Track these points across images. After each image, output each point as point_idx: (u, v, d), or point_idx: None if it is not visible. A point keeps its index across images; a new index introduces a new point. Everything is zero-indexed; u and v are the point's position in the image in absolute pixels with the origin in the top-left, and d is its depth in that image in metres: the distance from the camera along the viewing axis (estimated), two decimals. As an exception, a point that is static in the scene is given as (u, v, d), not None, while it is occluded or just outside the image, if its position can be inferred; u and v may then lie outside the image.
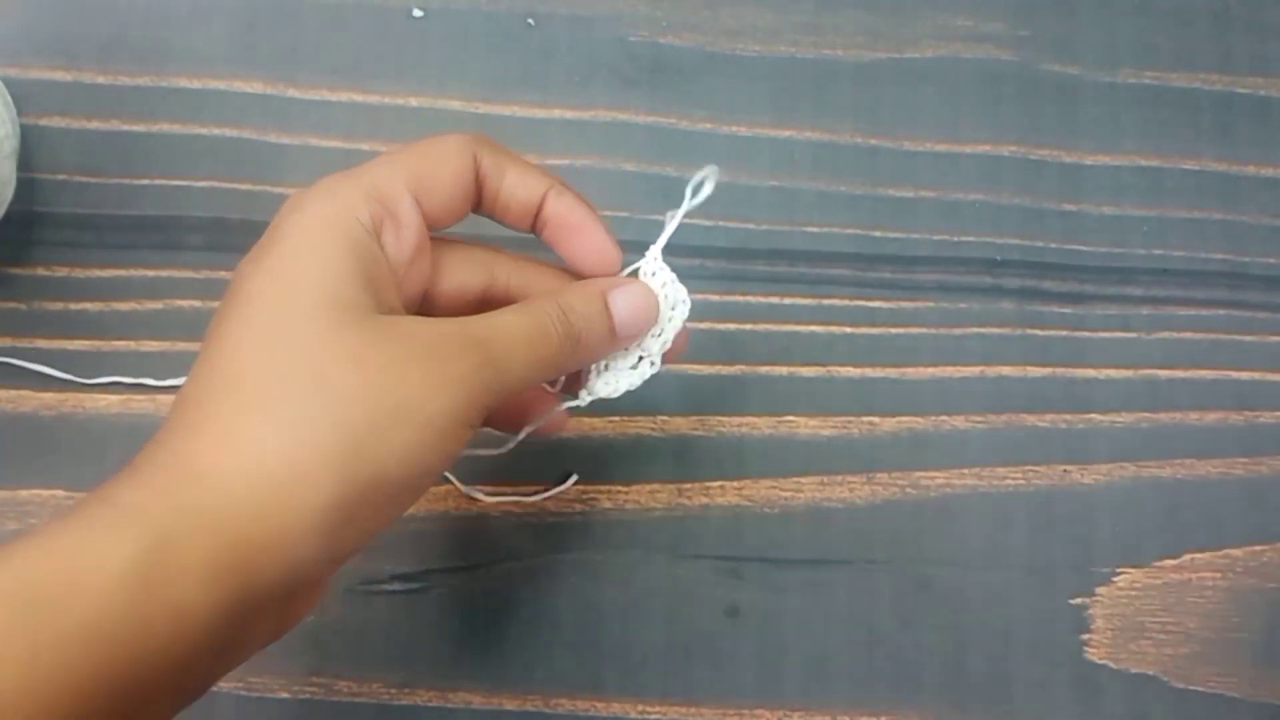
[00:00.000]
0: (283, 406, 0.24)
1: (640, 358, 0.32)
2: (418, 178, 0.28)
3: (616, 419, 0.38)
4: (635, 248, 0.38)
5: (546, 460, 0.37)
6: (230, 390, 0.24)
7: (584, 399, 0.32)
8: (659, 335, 0.32)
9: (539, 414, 0.32)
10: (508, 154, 0.30)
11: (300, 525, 0.23)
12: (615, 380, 0.32)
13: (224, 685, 0.35)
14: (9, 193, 0.36)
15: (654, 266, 0.32)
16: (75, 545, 0.22)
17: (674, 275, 0.32)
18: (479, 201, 0.30)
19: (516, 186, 0.30)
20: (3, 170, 0.35)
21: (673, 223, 0.32)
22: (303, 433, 0.23)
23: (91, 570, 0.21)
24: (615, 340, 0.30)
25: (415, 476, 0.25)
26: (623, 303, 0.30)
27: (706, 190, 0.31)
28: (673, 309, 0.32)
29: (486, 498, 0.37)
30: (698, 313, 0.38)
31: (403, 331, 0.25)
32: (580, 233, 0.31)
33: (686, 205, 0.31)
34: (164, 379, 0.37)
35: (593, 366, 0.32)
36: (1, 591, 0.21)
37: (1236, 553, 0.38)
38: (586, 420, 0.37)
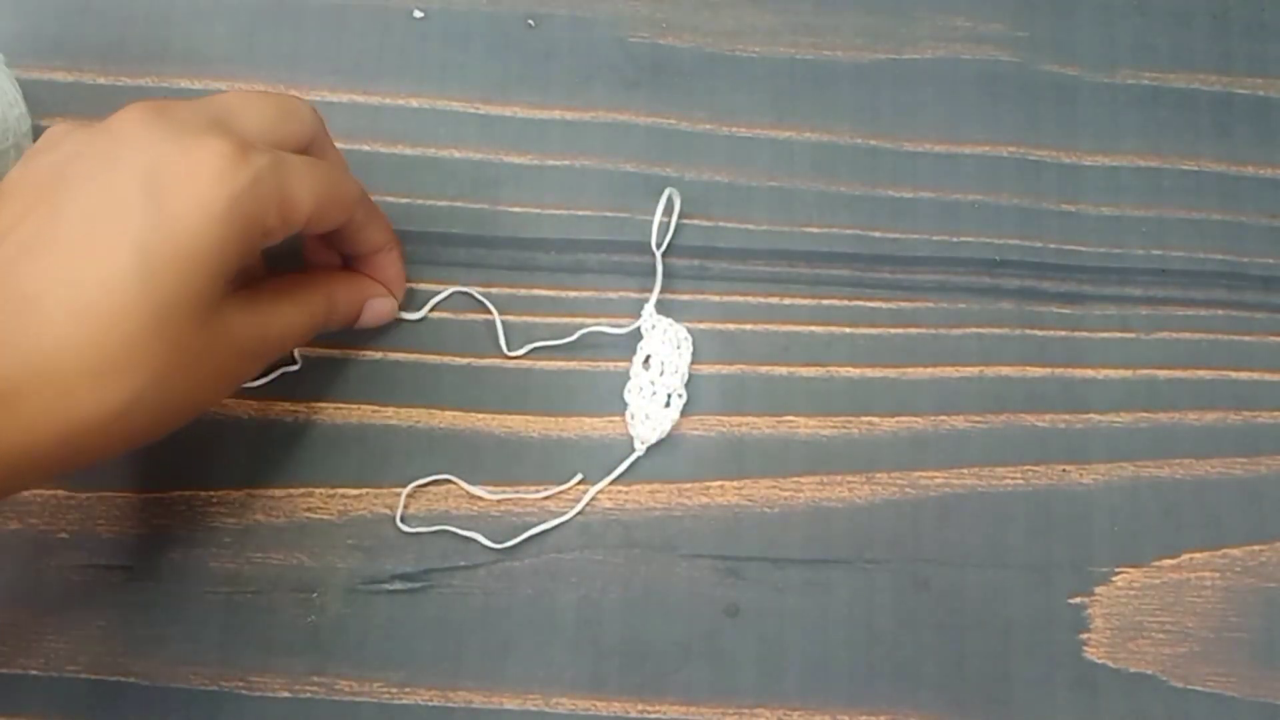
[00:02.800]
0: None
1: (668, 395, 0.37)
2: (322, 205, 0.31)
3: (616, 419, 0.38)
4: (633, 249, 0.39)
5: (548, 460, 0.37)
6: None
7: (641, 448, 0.37)
8: (676, 373, 0.37)
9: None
10: (368, 208, 0.34)
11: None
12: (658, 423, 0.37)
13: (224, 684, 0.35)
14: None
15: (652, 320, 0.38)
16: None
17: (670, 320, 0.38)
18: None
19: (363, 243, 0.35)
20: (25, 149, 0.35)
21: (658, 283, 0.38)
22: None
23: None
24: (348, 325, 0.36)
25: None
26: (372, 310, 0.36)
27: (671, 205, 0.38)
28: (678, 348, 0.38)
29: (489, 496, 0.37)
30: (698, 313, 0.39)
31: (225, 336, 0.29)
32: (381, 284, 0.37)
33: (658, 219, 0.37)
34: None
35: (632, 416, 0.37)
36: None
37: (1235, 552, 0.38)
38: (587, 420, 0.38)
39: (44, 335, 0.26)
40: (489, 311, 0.38)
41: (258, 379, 0.37)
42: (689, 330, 0.38)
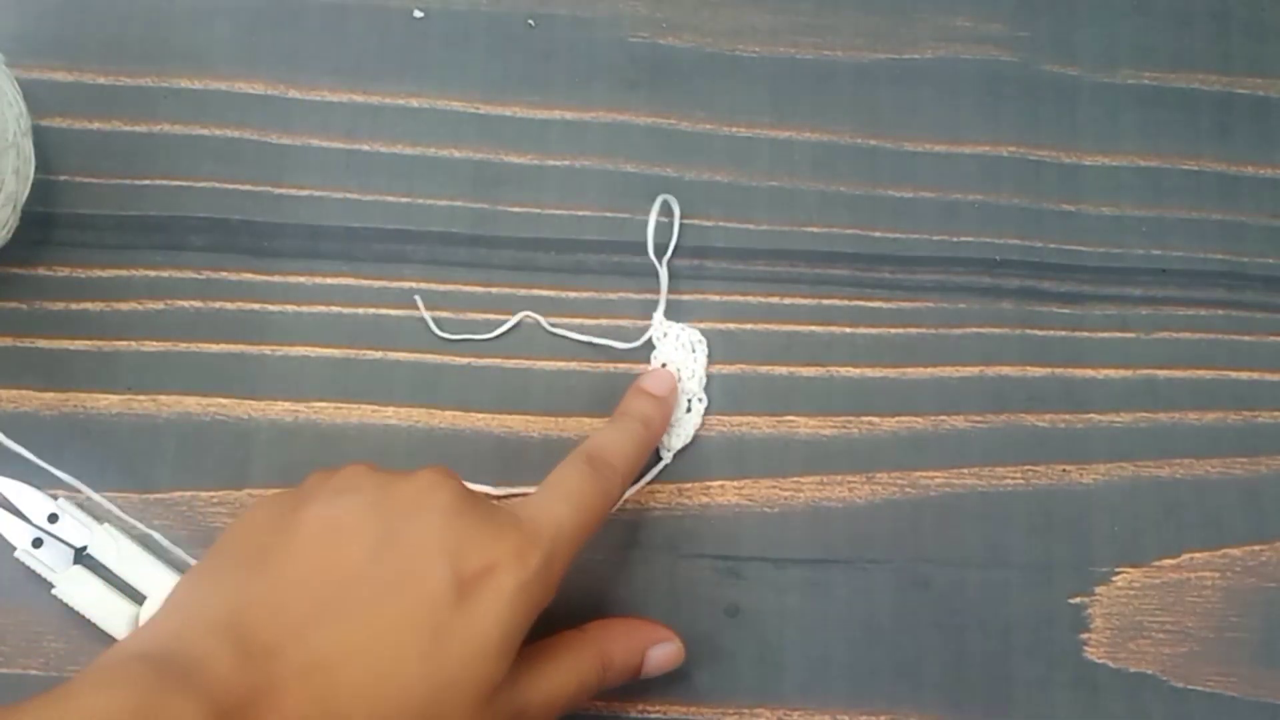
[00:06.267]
0: None
1: (689, 401, 0.37)
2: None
3: (617, 419, 0.38)
4: (633, 249, 0.39)
5: (548, 460, 0.37)
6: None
7: (667, 457, 0.37)
8: (694, 378, 0.37)
9: None
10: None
11: None
12: (682, 430, 0.37)
13: (225, 685, 0.35)
14: (31, 169, 0.36)
15: (664, 327, 0.38)
16: None
17: (682, 325, 0.38)
18: None
19: None
20: (24, 149, 0.35)
21: (664, 279, 0.38)
22: None
23: None
24: (628, 680, 0.33)
25: None
26: (655, 661, 0.34)
27: (669, 210, 0.38)
28: (692, 352, 0.38)
29: (493, 492, 0.37)
30: (698, 313, 0.38)
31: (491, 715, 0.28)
32: (663, 627, 0.35)
33: (653, 225, 0.38)
34: (168, 381, 0.37)
35: None
36: None
37: (1235, 552, 0.38)
38: (587, 421, 0.38)
39: (337, 701, 0.26)
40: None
41: None
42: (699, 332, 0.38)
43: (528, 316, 0.38)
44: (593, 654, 0.32)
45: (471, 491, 0.30)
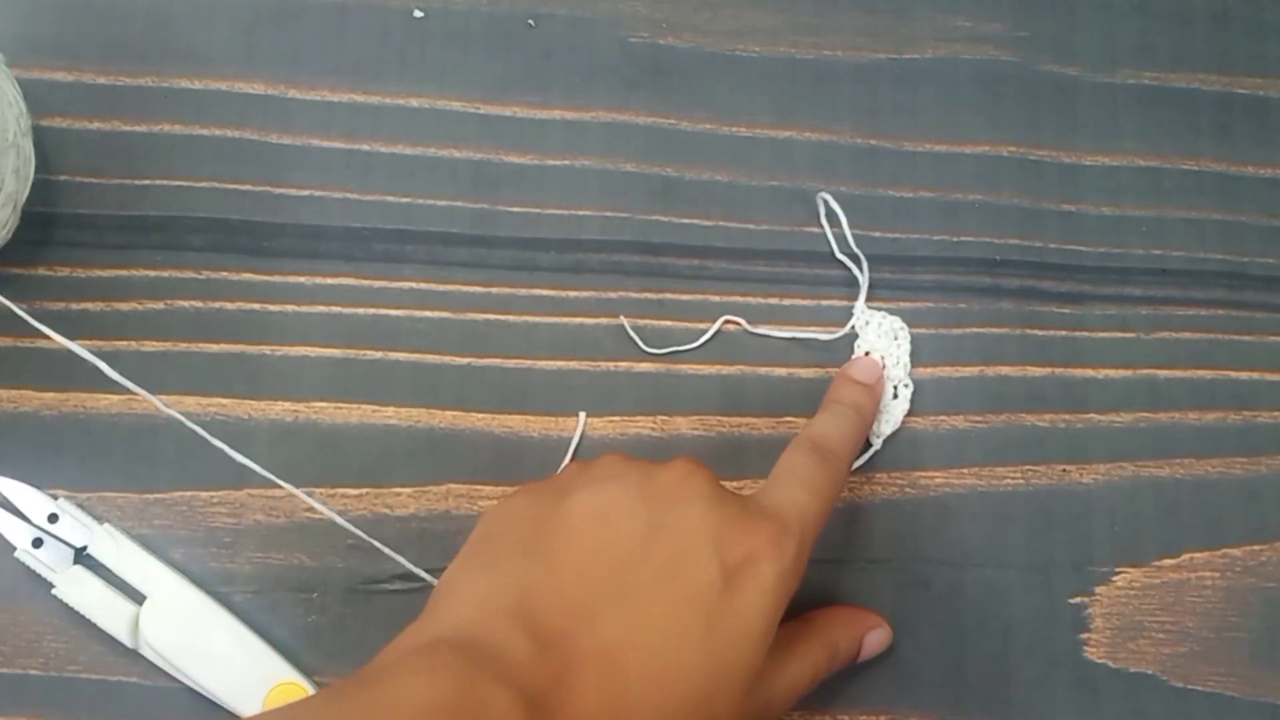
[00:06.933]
0: None
1: (894, 388, 0.38)
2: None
3: (618, 419, 0.38)
4: (636, 249, 0.39)
5: (550, 460, 0.37)
6: None
7: (877, 443, 0.37)
8: (899, 364, 0.38)
9: None
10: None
11: None
12: (891, 417, 0.37)
13: (225, 685, 0.35)
14: (31, 170, 0.36)
15: (865, 316, 0.38)
16: None
17: (884, 313, 0.38)
18: None
19: None
20: (24, 149, 0.35)
21: (864, 279, 0.38)
22: None
23: None
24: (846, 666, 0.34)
25: None
26: (869, 645, 0.35)
27: (831, 212, 0.39)
28: (895, 339, 0.38)
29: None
30: (698, 313, 0.38)
31: (748, 709, 0.28)
32: (874, 612, 0.36)
33: (828, 228, 0.39)
34: (168, 381, 0.37)
35: None
36: None
37: (1235, 552, 0.38)
38: (587, 420, 0.38)
39: (626, 687, 0.26)
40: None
41: None
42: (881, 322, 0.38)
43: (729, 321, 0.38)
44: (823, 642, 0.33)
45: (721, 482, 0.30)
